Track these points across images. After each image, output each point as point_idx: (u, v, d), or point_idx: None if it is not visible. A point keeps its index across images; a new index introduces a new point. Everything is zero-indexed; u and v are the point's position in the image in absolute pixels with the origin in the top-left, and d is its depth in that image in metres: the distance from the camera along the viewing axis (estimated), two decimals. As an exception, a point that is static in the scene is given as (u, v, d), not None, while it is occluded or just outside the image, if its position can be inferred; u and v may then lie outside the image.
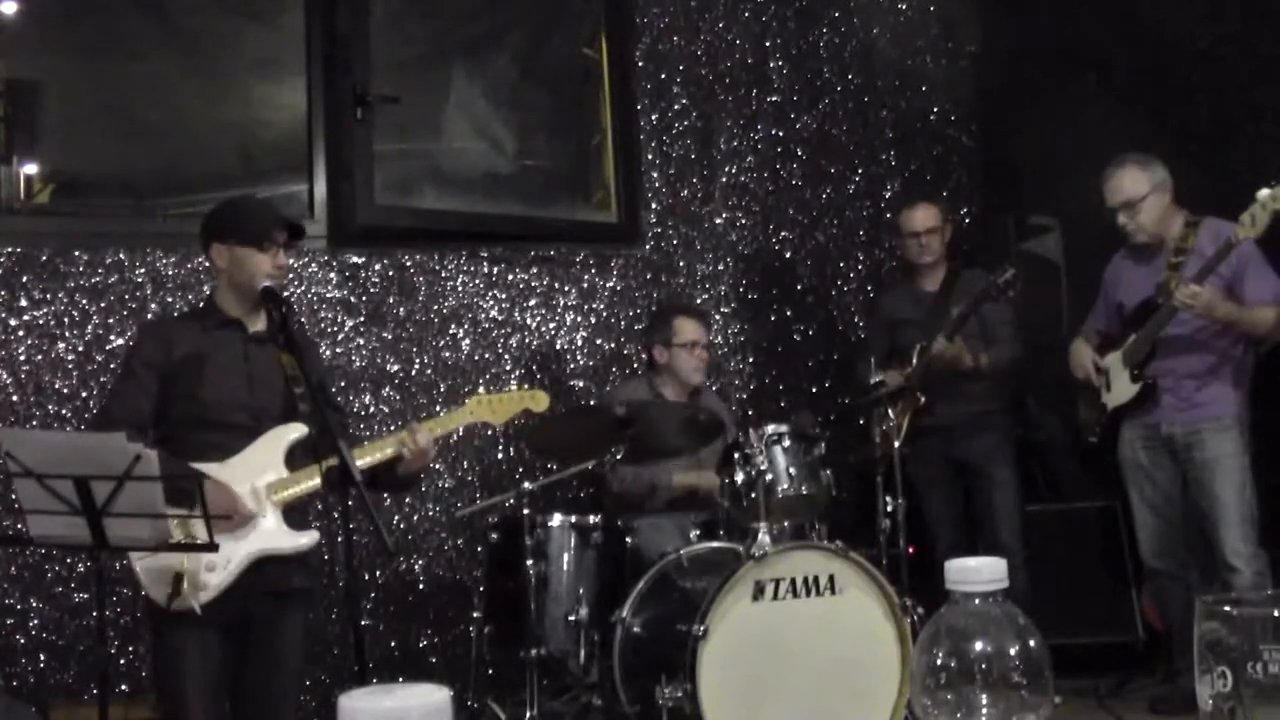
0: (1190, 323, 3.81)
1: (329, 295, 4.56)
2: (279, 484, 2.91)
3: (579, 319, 4.99)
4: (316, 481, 2.92)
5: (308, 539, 2.93)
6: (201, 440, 2.89)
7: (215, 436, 2.91)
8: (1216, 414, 3.86)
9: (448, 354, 4.71)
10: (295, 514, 2.96)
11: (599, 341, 5.02)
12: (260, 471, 2.91)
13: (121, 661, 4.03)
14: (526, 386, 3.67)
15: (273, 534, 2.89)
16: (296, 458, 2.97)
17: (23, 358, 4.11)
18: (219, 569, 2.81)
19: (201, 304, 3.21)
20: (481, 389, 3.32)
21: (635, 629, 3.47)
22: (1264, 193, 3.49)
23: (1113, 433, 4.09)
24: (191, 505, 2.62)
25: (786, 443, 3.57)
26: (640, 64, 5.24)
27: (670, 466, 4.23)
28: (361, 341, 4.58)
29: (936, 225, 4.57)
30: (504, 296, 4.85)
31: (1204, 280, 3.65)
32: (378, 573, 4.49)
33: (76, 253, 4.21)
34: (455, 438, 4.65)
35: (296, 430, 2.97)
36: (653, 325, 4.55)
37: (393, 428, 4.40)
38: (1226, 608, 0.96)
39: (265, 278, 2.98)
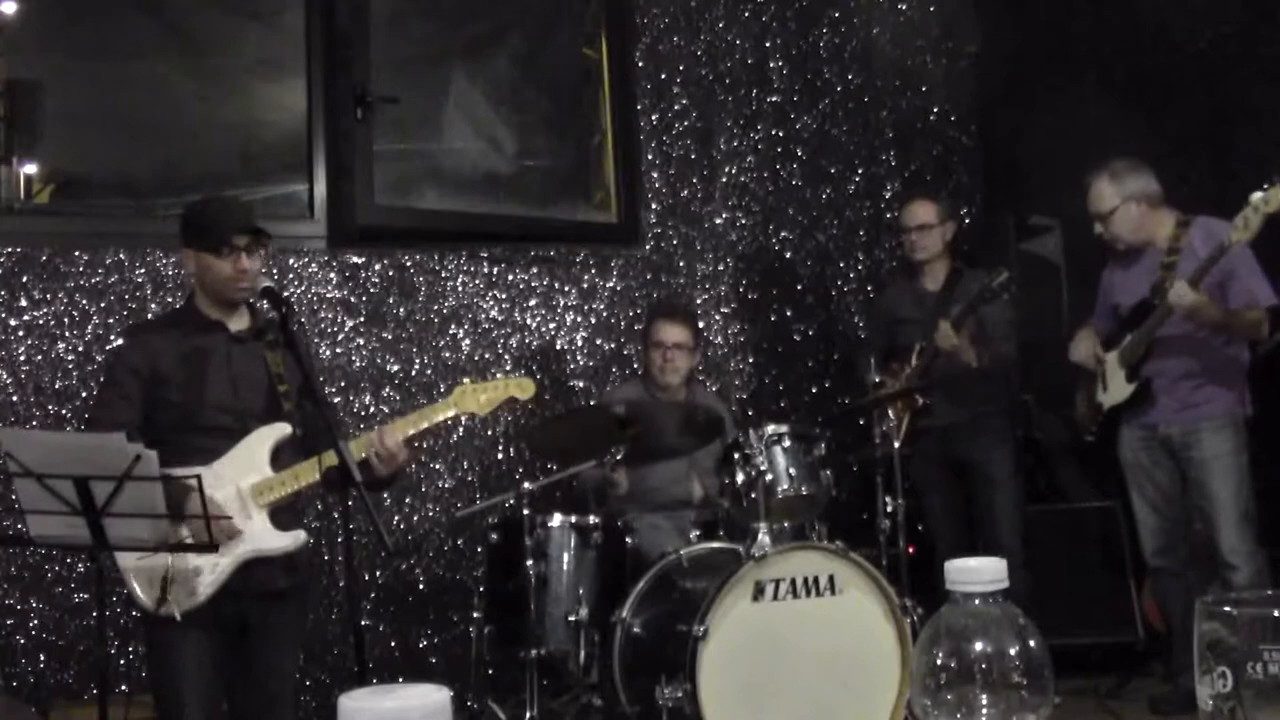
0: (1185, 323, 3.81)
1: (329, 295, 4.56)
2: (264, 485, 2.89)
3: (579, 319, 4.99)
4: (303, 482, 2.91)
5: (293, 540, 2.91)
6: (188, 444, 2.87)
7: (202, 440, 2.89)
8: (1213, 413, 3.86)
9: (448, 354, 4.71)
10: (284, 514, 2.94)
11: (599, 341, 5.02)
12: (245, 473, 2.89)
13: (121, 661, 4.04)
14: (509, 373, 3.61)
15: (260, 535, 2.87)
16: (281, 458, 2.94)
17: (23, 358, 4.11)
18: (207, 572, 2.80)
19: (181, 306, 3.17)
20: (467, 380, 3.27)
21: (635, 629, 3.47)
22: (1256, 196, 3.48)
23: (1109, 431, 4.09)
24: (184, 517, 2.63)
25: (786, 443, 3.57)
26: (640, 64, 5.24)
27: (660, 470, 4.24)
28: (361, 341, 4.58)
29: (932, 222, 4.55)
30: (504, 296, 4.85)
31: (1199, 283, 3.65)
32: (378, 573, 4.49)
33: (76, 253, 4.21)
34: (455, 437, 4.66)
35: (281, 430, 2.95)
36: (642, 327, 4.59)
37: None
38: (1226, 608, 0.96)
39: (228, 282, 2.95)
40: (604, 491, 4.12)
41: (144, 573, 2.77)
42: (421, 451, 4.61)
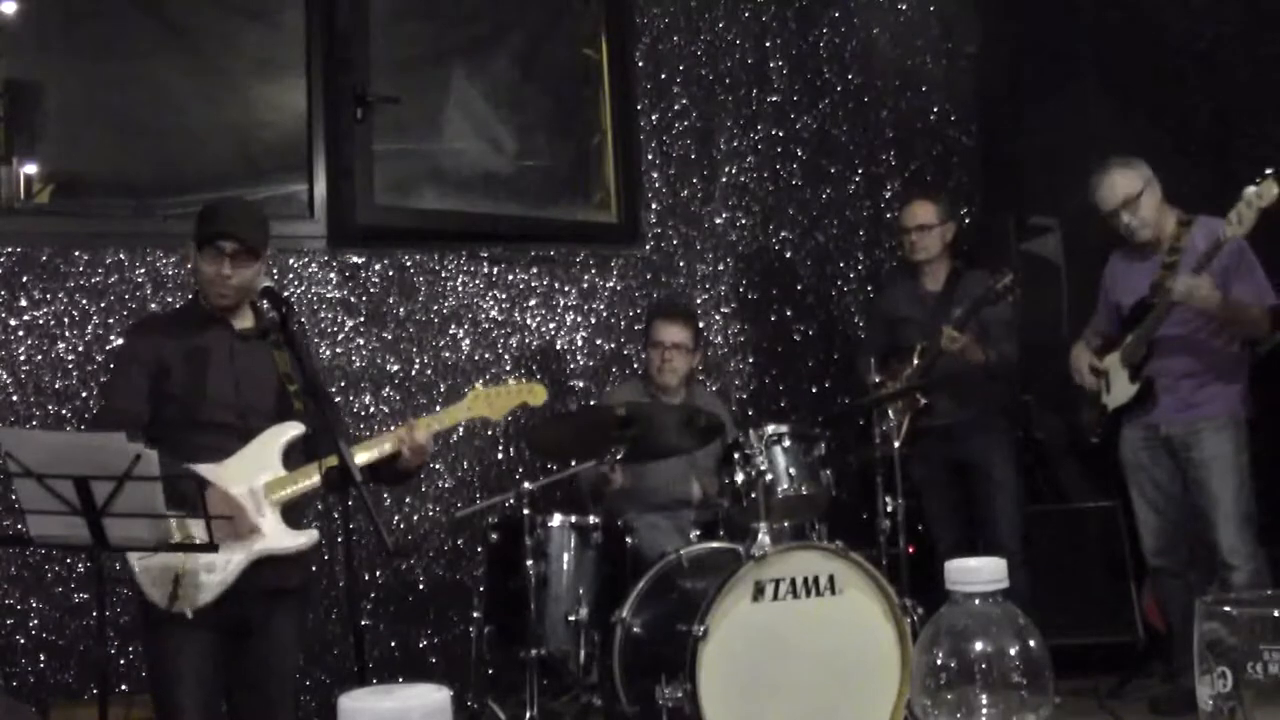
0: (1186, 322, 3.81)
1: (329, 295, 4.56)
2: (276, 484, 2.90)
3: (579, 319, 4.99)
4: (316, 480, 2.91)
5: (307, 538, 2.92)
6: (193, 441, 2.88)
7: (206, 437, 2.90)
8: (1214, 413, 3.86)
9: (448, 354, 4.71)
10: (293, 513, 2.95)
11: (599, 341, 5.02)
12: (257, 472, 2.90)
13: (121, 661, 4.03)
14: (524, 379, 3.62)
15: (272, 534, 2.88)
16: (294, 457, 2.95)
17: (23, 358, 4.11)
18: (219, 570, 2.80)
19: (186, 303, 3.19)
20: (480, 384, 3.29)
21: (635, 629, 3.47)
22: (1250, 190, 3.50)
23: (1113, 433, 4.09)
24: (190, 508, 2.62)
25: (786, 443, 3.57)
26: (640, 64, 5.24)
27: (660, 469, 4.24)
28: (361, 341, 4.58)
29: (931, 223, 4.55)
30: (504, 296, 4.85)
31: (1201, 274, 3.66)
32: (378, 573, 4.49)
33: (76, 253, 4.21)
34: (455, 437, 4.66)
35: (293, 429, 2.96)
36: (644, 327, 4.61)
37: (392, 428, 4.39)
38: (1226, 608, 0.96)
39: (207, 283, 2.96)
40: (600, 489, 4.12)
41: (154, 571, 2.77)
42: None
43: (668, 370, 4.32)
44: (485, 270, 4.82)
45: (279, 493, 2.90)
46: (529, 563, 3.55)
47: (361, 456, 2.98)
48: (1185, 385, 3.89)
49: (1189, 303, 3.71)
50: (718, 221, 5.37)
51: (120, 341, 3.36)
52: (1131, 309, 3.99)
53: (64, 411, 4.11)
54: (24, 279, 4.14)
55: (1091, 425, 4.16)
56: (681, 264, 5.27)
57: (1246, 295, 3.76)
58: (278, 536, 2.89)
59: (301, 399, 3.00)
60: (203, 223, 2.99)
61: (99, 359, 4.14)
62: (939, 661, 0.96)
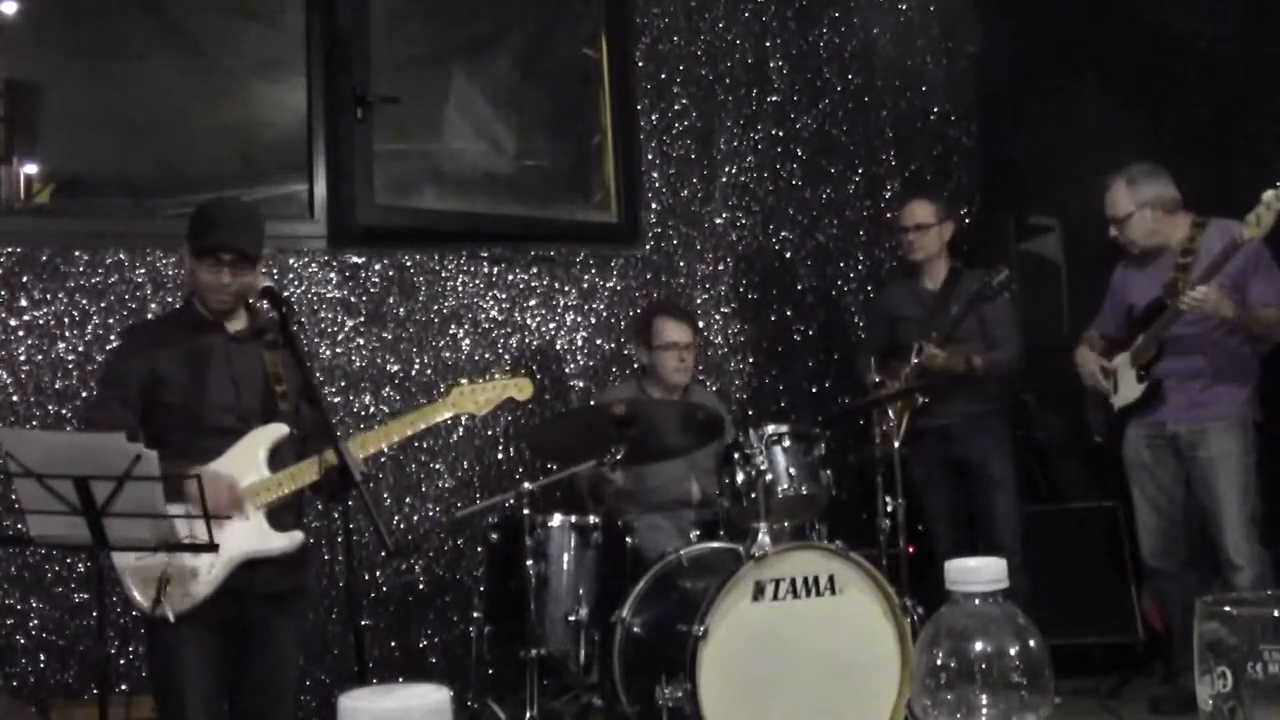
0: (1196, 322, 3.82)
1: (329, 295, 4.55)
2: (261, 486, 2.89)
3: (579, 319, 4.99)
4: (300, 482, 2.91)
5: (290, 540, 2.91)
6: (192, 445, 2.88)
7: (205, 440, 2.90)
8: (1221, 413, 3.86)
9: (448, 354, 4.71)
10: (282, 514, 2.94)
11: (599, 341, 5.02)
12: (242, 474, 2.89)
13: (121, 661, 4.03)
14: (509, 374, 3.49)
15: (257, 535, 2.87)
16: (279, 459, 2.95)
17: (23, 358, 4.11)
18: (203, 573, 2.80)
19: (180, 306, 3.18)
20: (465, 380, 3.26)
21: (635, 629, 3.47)
22: (1269, 194, 3.52)
23: (1119, 433, 4.09)
24: (187, 499, 2.63)
25: (786, 443, 3.57)
26: (640, 64, 5.24)
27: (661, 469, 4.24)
28: (361, 341, 4.58)
29: (929, 222, 4.56)
30: (504, 296, 4.84)
31: (1210, 281, 3.66)
32: (378, 573, 4.49)
33: (76, 253, 4.21)
34: (455, 437, 4.66)
35: (277, 431, 2.95)
36: (636, 328, 4.57)
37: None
38: (1226, 608, 0.96)
39: (205, 290, 2.96)
40: (599, 490, 4.12)
41: (140, 573, 2.76)
42: (421, 451, 4.61)
43: (683, 370, 4.32)
44: (485, 270, 4.82)
45: (264, 495, 2.89)
46: (529, 563, 3.55)
47: (371, 446, 2.99)
48: (1194, 385, 3.90)
49: (1197, 312, 3.72)
50: (718, 221, 5.37)
51: (115, 348, 3.34)
52: (1144, 310, 3.99)
53: (64, 411, 4.11)
54: (24, 279, 4.14)
55: (1097, 425, 4.17)
56: (681, 264, 5.27)
57: (1267, 295, 3.77)
58: (262, 538, 2.88)
59: (290, 400, 3.00)
60: (198, 230, 2.96)
61: (99, 359, 4.13)
62: (939, 661, 0.96)
